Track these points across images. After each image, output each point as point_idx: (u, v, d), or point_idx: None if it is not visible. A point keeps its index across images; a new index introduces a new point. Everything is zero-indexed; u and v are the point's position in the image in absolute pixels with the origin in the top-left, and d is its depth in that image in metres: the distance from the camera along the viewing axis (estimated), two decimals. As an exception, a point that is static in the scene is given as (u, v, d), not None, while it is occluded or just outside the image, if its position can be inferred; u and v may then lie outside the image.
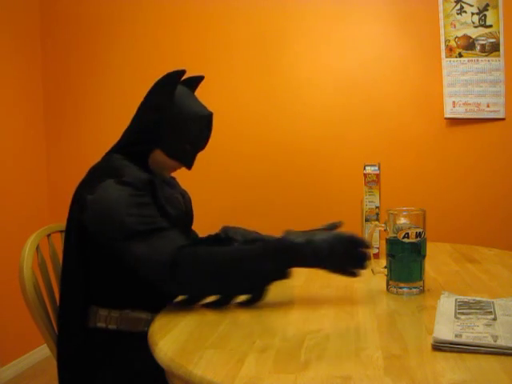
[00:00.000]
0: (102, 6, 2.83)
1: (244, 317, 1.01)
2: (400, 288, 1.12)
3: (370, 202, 1.48)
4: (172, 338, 0.90)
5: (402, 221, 1.11)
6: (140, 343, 1.14)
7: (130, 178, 1.17)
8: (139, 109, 1.36)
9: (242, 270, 1.05)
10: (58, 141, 2.90)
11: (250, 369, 0.74)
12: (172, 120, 1.28)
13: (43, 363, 2.68)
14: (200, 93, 2.77)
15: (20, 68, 2.75)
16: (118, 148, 1.33)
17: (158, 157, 1.31)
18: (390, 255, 1.13)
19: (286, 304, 1.09)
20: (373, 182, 1.48)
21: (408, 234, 1.09)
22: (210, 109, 1.37)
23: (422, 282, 1.13)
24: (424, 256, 1.13)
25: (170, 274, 1.05)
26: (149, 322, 1.19)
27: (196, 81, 1.42)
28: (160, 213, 1.19)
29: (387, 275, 1.15)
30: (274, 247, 1.06)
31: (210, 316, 1.03)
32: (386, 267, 1.16)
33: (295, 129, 2.63)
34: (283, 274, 1.06)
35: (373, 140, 2.54)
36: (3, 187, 2.56)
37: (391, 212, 1.13)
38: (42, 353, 2.71)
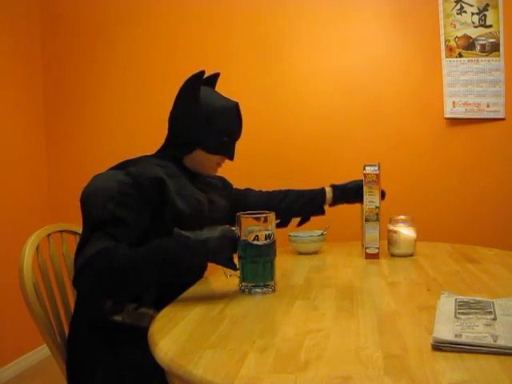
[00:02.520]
0: (102, 7, 2.83)
1: (244, 317, 1.01)
2: (252, 289, 1.16)
3: (369, 201, 1.48)
4: (172, 338, 0.90)
5: (252, 224, 1.14)
6: (144, 338, 1.15)
7: (136, 170, 1.23)
8: (171, 118, 1.43)
9: (135, 275, 1.10)
10: (58, 141, 2.90)
11: (249, 369, 0.74)
12: (204, 120, 1.35)
13: (43, 363, 2.68)
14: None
15: (20, 68, 2.75)
16: (156, 154, 1.42)
17: (200, 156, 1.39)
18: (242, 258, 1.16)
19: (285, 304, 1.09)
20: (373, 182, 1.48)
21: (258, 236, 1.13)
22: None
23: (273, 282, 1.17)
24: (274, 257, 1.17)
25: (77, 277, 1.11)
26: (153, 319, 1.21)
27: (214, 78, 1.51)
28: (170, 208, 1.24)
29: (239, 277, 1.18)
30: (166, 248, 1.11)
31: (210, 316, 1.03)
32: (238, 269, 1.18)
33: (295, 129, 2.63)
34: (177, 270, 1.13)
35: (373, 140, 2.54)
36: (3, 187, 2.56)
37: (240, 216, 1.15)
38: (42, 353, 2.71)
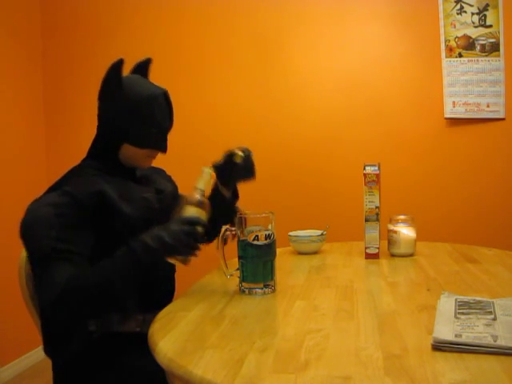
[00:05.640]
0: (102, 7, 2.83)
1: (244, 317, 1.01)
2: (253, 289, 1.15)
3: (369, 201, 1.48)
4: (172, 338, 0.90)
5: (252, 224, 1.14)
6: (133, 343, 1.15)
7: (72, 187, 1.16)
8: (98, 110, 1.33)
9: (111, 289, 1.08)
10: (58, 140, 2.90)
11: (249, 369, 0.74)
12: (127, 110, 1.25)
13: (43, 363, 2.67)
14: (198, 94, 2.76)
15: (20, 68, 2.75)
16: (90, 153, 1.33)
17: (129, 150, 1.28)
18: (242, 258, 1.16)
19: (285, 304, 1.09)
20: (373, 181, 1.47)
21: (258, 236, 1.12)
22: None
23: (273, 282, 1.17)
24: (274, 257, 1.17)
25: (51, 317, 1.08)
26: (140, 322, 1.20)
27: (145, 65, 1.38)
28: (117, 217, 1.18)
29: (239, 277, 1.17)
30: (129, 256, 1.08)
31: (210, 316, 1.03)
32: (238, 269, 1.18)
33: (295, 129, 2.63)
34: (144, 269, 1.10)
35: (373, 140, 2.54)
36: (3, 187, 2.56)
37: (240, 216, 1.15)
38: (42, 353, 2.69)
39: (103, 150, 1.30)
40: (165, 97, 1.31)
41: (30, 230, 1.14)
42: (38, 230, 1.11)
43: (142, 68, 1.37)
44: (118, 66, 1.26)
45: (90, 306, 1.08)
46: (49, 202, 1.15)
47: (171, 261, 1.12)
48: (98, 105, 1.32)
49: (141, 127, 1.26)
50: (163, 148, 1.32)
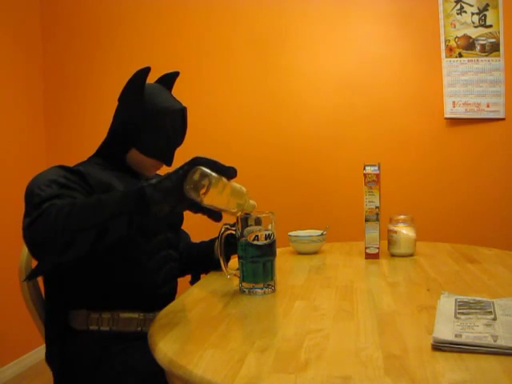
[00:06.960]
0: (102, 7, 2.83)
1: (244, 317, 1.01)
2: (253, 289, 1.15)
3: (369, 202, 1.48)
4: (172, 338, 0.90)
5: (252, 224, 1.13)
6: (134, 343, 1.15)
7: (85, 170, 1.18)
8: (115, 111, 1.37)
9: (99, 208, 0.96)
10: (58, 141, 2.90)
11: (249, 369, 0.74)
12: (143, 118, 1.28)
13: (43, 363, 2.66)
14: (199, 94, 2.77)
15: (20, 68, 2.75)
16: (98, 151, 1.37)
17: (135, 156, 1.32)
18: (242, 258, 1.16)
19: (285, 304, 1.09)
20: (373, 181, 1.47)
21: (258, 236, 1.13)
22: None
23: (273, 282, 1.17)
24: (274, 256, 1.17)
25: (28, 227, 0.97)
26: (141, 322, 1.20)
27: (171, 77, 1.40)
28: None
29: (239, 277, 1.18)
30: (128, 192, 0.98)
31: (210, 316, 1.03)
32: (238, 269, 1.18)
33: (295, 129, 2.63)
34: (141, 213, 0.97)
35: (373, 140, 2.54)
36: (3, 187, 2.56)
37: (240, 216, 1.14)
38: (42, 353, 2.69)
39: (112, 150, 1.34)
40: (182, 113, 1.34)
41: (31, 185, 1.10)
42: (41, 183, 1.08)
43: (168, 80, 1.39)
44: (143, 73, 1.29)
45: (75, 218, 0.94)
46: (60, 170, 1.16)
47: (191, 193, 0.93)
48: (117, 107, 1.35)
49: (151, 137, 1.30)
50: (168, 161, 1.35)
